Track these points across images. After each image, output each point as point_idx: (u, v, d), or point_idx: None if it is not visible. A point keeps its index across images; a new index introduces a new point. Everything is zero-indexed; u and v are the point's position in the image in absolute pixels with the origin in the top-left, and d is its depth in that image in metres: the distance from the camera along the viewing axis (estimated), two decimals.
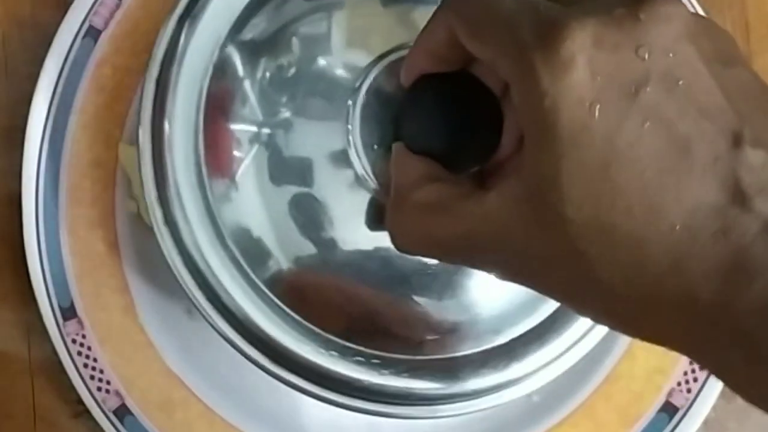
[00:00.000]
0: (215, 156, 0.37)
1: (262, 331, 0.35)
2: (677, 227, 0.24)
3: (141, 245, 0.41)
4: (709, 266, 0.24)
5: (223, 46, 0.37)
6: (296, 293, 0.37)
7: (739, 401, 0.42)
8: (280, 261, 0.36)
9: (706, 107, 0.24)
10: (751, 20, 0.46)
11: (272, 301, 0.36)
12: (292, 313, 0.36)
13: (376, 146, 0.35)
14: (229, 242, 0.36)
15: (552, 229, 0.25)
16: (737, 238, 0.23)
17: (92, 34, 0.40)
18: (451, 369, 0.37)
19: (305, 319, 0.36)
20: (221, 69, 0.37)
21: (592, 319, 0.27)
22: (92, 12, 0.40)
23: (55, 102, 0.40)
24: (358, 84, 0.35)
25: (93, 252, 0.40)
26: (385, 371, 0.37)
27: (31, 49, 0.41)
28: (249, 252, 0.36)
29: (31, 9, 0.42)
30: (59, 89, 0.40)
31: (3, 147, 0.41)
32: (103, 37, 0.40)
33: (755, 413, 0.42)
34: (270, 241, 0.36)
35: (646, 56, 0.24)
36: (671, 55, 0.24)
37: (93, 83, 0.40)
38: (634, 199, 0.24)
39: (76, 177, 0.40)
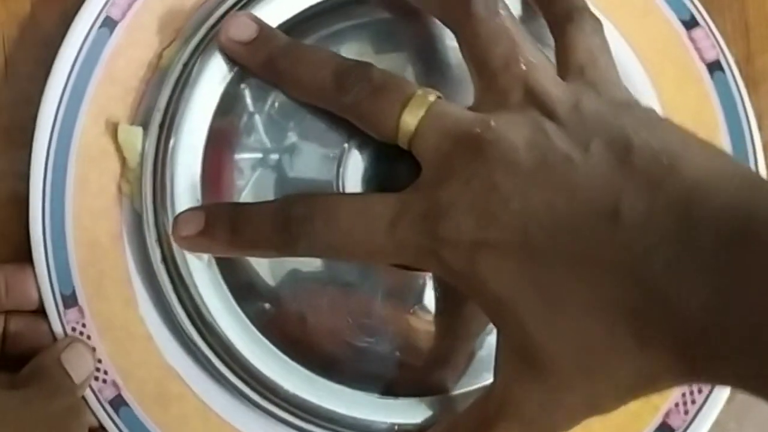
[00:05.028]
0: (215, 187, 0.38)
1: (281, 387, 0.38)
2: None
3: (145, 238, 0.40)
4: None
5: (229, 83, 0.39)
6: (301, 344, 0.38)
7: (739, 401, 0.42)
8: (287, 312, 0.39)
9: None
10: (751, 20, 0.46)
11: (280, 356, 0.38)
12: (301, 367, 0.38)
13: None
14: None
15: None
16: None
17: (109, 24, 0.40)
18: (457, 405, 0.39)
19: (310, 369, 0.38)
20: (227, 104, 0.38)
21: None
22: (110, 2, 0.40)
23: (68, 91, 0.40)
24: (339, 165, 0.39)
25: (97, 243, 0.40)
26: (394, 412, 0.38)
27: (31, 49, 0.41)
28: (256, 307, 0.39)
29: (32, 9, 0.42)
30: (72, 78, 0.40)
31: (3, 147, 0.41)
32: (119, 28, 0.40)
33: (755, 413, 0.42)
34: (272, 282, 0.39)
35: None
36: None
37: (106, 74, 0.40)
38: None
39: (83, 167, 0.40)
